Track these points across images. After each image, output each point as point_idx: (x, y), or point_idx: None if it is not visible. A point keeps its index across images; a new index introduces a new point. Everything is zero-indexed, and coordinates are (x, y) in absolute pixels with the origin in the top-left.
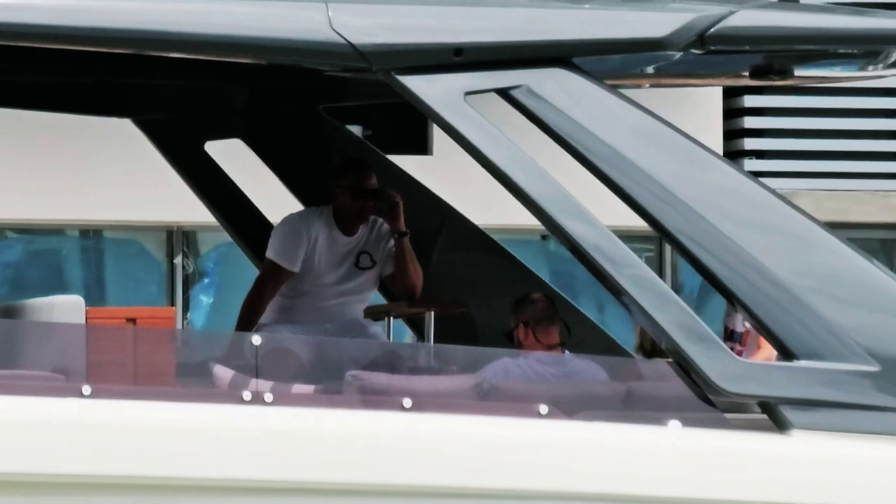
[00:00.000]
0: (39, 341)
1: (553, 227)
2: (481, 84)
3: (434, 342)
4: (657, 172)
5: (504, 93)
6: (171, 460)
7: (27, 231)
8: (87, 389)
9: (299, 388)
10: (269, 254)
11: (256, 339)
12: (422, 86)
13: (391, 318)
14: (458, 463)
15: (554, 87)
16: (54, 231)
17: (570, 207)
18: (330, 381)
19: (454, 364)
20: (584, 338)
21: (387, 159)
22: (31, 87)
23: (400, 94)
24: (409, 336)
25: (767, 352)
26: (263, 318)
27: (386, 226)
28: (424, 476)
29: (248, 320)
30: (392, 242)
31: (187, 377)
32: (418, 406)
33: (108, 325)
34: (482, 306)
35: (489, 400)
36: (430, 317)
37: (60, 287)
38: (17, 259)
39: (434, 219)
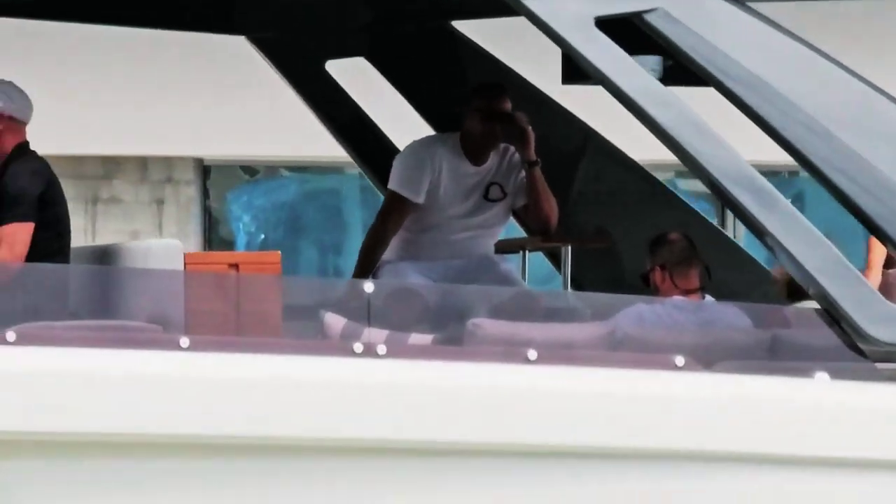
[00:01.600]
0: (135, 289)
1: (689, 161)
2: (613, 8)
3: (572, 278)
4: (799, 98)
5: (638, 17)
6: (275, 418)
7: (302, 169)
8: (185, 342)
9: (415, 338)
10: (392, 184)
11: (369, 286)
12: (548, 9)
13: (526, 253)
14: (585, 420)
15: (692, 9)
16: (332, 169)
17: (708, 139)
18: (449, 330)
19: (584, 310)
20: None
21: (525, 80)
22: (145, 3)
23: None
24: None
25: None
26: (386, 255)
27: (517, 154)
28: (549, 435)
29: (369, 257)
30: (524, 172)
31: (294, 328)
32: (544, 358)
33: (209, 272)
34: (627, 239)
35: (621, 350)
36: (568, 251)
37: (338, 228)
38: (291, 199)
39: (576, 144)
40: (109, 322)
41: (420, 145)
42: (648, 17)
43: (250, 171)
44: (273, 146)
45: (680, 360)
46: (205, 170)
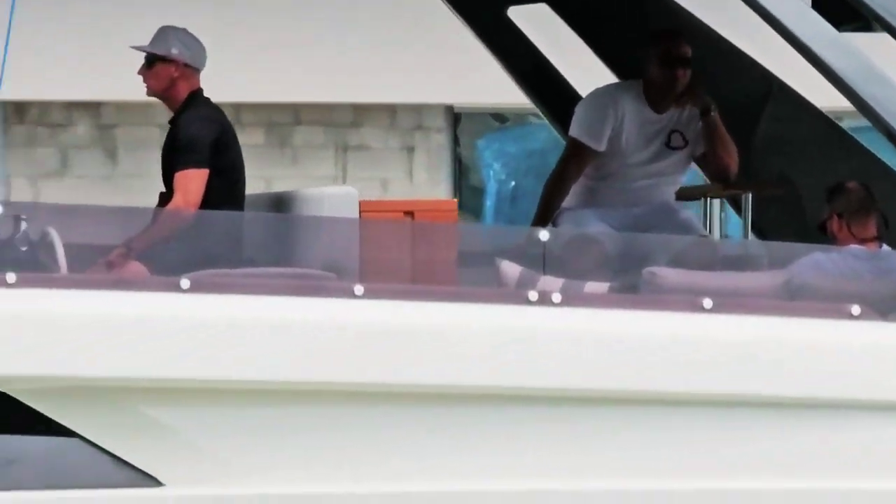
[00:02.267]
0: (310, 236)
1: (862, 107)
2: None
3: (753, 225)
4: None
5: None
6: (449, 366)
7: None
8: (359, 289)
9: (590, 286)
10: (573, 131)
11: (544, 235)
12: None
13: (708, 200)
14: (760, 369)
15: None
16: None
17: (881, 83)
18: (624, 278)
19: (761, 259)
20: None
21: (707, 27)
22: None
23: None
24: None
25: None
26: (566, 202)
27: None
28: (722, 383)
29: (549, 203)
30: (709, 117)
31: (469, 275)
32: (719, 307)
33: (385, 220)
34: (809, 186)
35: (797, 299)
36: (749, 198)
37: None
38: (541, 146)
39: (758, 91)
40: (283, 269)
41: (602, 93)
42: None
43: (500, 118)
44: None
45: (856, 310)
46: (455, 117)
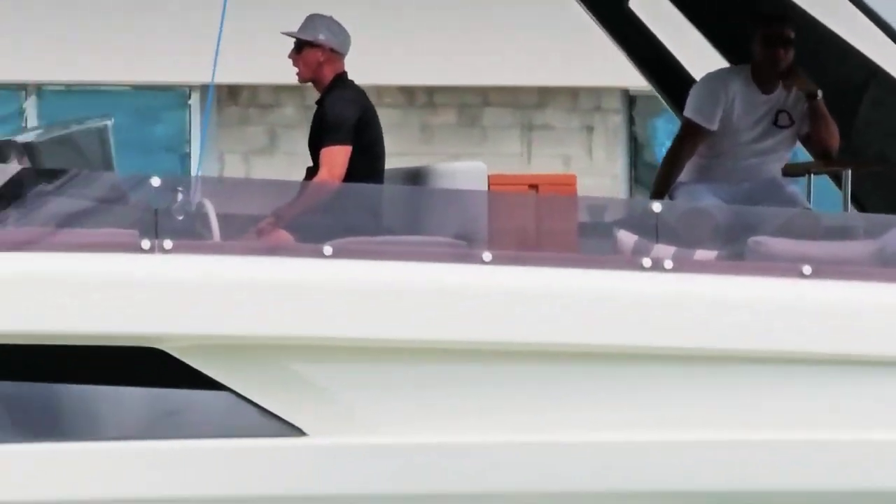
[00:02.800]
0: (442, 208)
1: None
2: None
3: (854, 199)
4: None
5: None
6: (568, 327)
7: None
8: (487, 256)
9: (700, 254)
10: (687, 112)
11: (657, 206)
12: None
13: (811, 176)
14: (858, 331)
15: None
16: None
17: None
18: (731, 247)
19: (859, 229)
20: None
21: (811, 16)
22: None
23: None
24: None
25: None
26: (682, 177)
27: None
28: (818, 343)
29: (665, 179)
30: (815, 101)
31: (588, 243)
32: (818, 273)
33: (511, 192)
34: None
35: (891, 266)
36: (849, 174)
37: None
38: None
39: (859, 75)
40: (417, 238)
41: (714, 76)
42: None
43: None
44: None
45: None
46: (630, 99)
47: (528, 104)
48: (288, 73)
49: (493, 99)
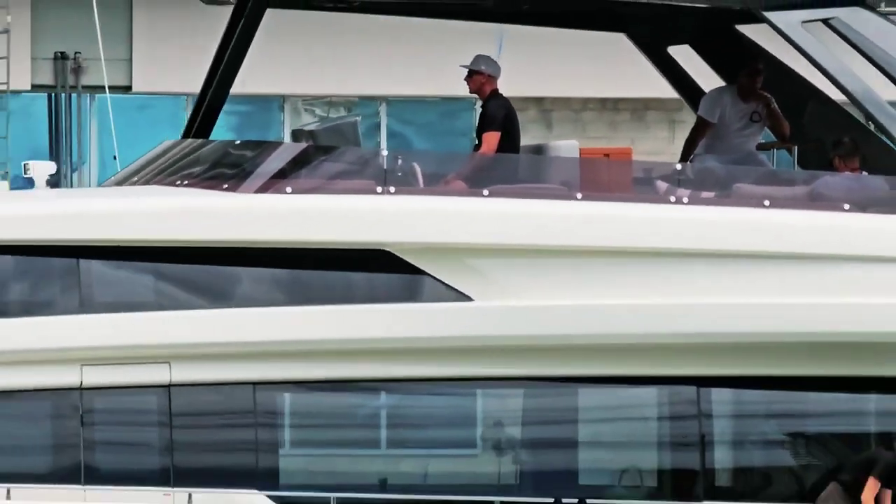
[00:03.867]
0: (553, 166)
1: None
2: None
3: (798, 163)
4: None
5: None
6: (627, 235)
7: None
8: (579, 195)
9: (705, 194)
10: (699, 112)
11: (678, 166)
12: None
13: (774, 151)
14: (794, 237)
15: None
16: None
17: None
18: (723, 189)
19: (799, 179)
20: None
21: (772, 56)
22: (558, 11)
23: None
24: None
25: None
26: (696, 151)
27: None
28: (775, 245)
29: (686, 151)
30: (772, 106)
31: (639, 187)
32: (774, 204)
33: (593, 157)
34: (828, 144)
35: (816, 201)
36: (795, 149)
37: None
38: None
39: (806, 98)
40: (539, 185)
41: (716, 91)
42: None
43: None
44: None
45: (846, 206)
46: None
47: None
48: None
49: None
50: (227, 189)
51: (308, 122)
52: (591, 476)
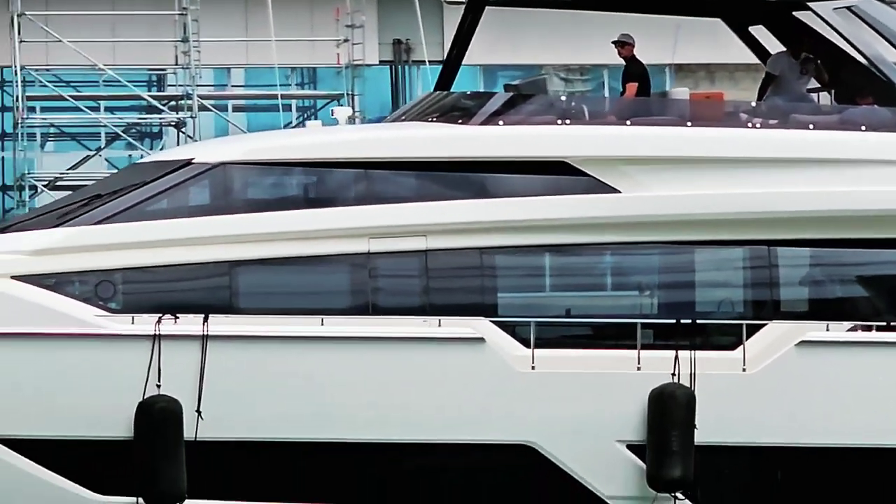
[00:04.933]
0: (672, 105)
1: None
2: None
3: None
4: None
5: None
6: (717, 147)
7: None
8: (689, 123)
9: (772, 122)
10: (767, 68)
11: (753, 103)
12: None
13: (818, 93)
14: (832, 145)
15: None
16: None
17: None
18: (785, 120)
19: (837, 113)
20: None
21: (821, 35)
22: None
23: None
24: None
25: None
26: (766, 94)
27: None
28: (812, 153)
29: (760, 94)
30: (816, 63)
31: (729, 115)
32: (818, 126)
33: (699, 98)
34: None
35: (847, 126)
36: (832, 92)
37: None
38: None
39: (837, 57)
40: (664, 118)
41: (779, 54)
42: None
43: None
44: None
45: (863, 127)
46: None
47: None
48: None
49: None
50: (461, 123)
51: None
52: (702, 305)
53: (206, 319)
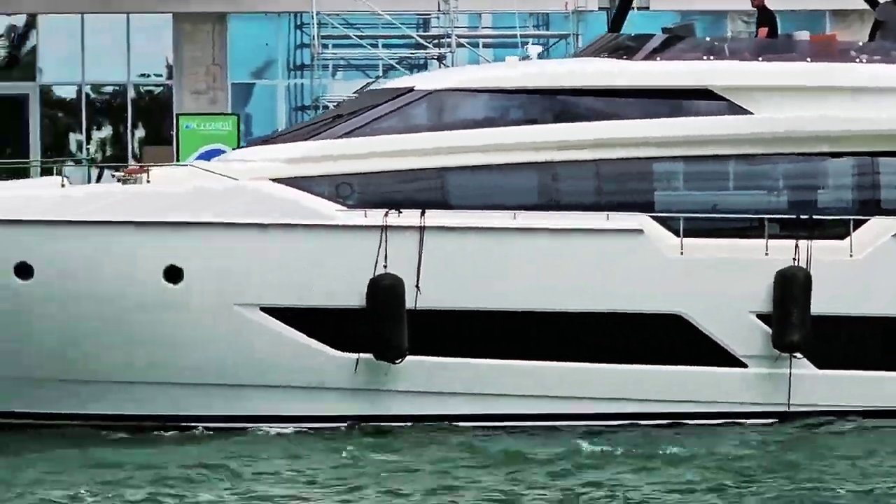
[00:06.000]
0: (791, 45)
1: None
2: None
3: None
4: None
5: None
6: (825, 77)
7: None
8: (808, 60)
9: (874, 59)
10: (876, 15)
11: (860, 43)
12: None
13: None
14: None
15: None
16: None
17: None
18: (883, 56)
19: None
20: None
21: None
22: None
23: None
24: None
25: None
26: (876, 37)
27: None
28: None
29: (871, 37)
30: None
31: (840, 53)
32: None
33: (815, 40)
34: None
35: None
36: None
37: None
38: None
39: None
40: (788, 54)
41: (885, 3)
42: None
43: None
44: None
45: None
46: None
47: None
48: None
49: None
50: (625, 59)
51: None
52: (818, 204)
53: (423, 213)
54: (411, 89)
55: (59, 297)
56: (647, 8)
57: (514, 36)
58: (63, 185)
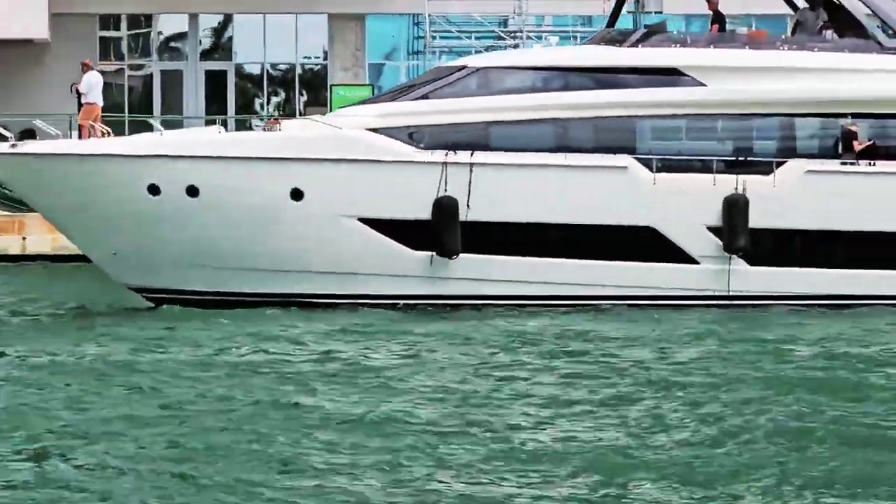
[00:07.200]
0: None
1: None
2: None
3: None
4: None
5: None
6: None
7: None
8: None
9: None
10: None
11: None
12: None
13: None
14: None
15: None
16: None
17: None
18: None
19: None
20: None
21: None
22: None
23: None
24: None
25: None
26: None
27: None
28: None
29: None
30: None
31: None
32: None
33: None
34: None
35: None
36: None
37: None
38: None
39: None
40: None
41: None
42: None
43: None
44: None
45: None
46: None
47: None
48: None
49: None
50: (617, 46)
51: None
52: (740, 150)
53: (472, 154)
54: (464, 67)
55: (216, 210)
56: (661, 11)
57: (567, 31)
58: (219, 133)
